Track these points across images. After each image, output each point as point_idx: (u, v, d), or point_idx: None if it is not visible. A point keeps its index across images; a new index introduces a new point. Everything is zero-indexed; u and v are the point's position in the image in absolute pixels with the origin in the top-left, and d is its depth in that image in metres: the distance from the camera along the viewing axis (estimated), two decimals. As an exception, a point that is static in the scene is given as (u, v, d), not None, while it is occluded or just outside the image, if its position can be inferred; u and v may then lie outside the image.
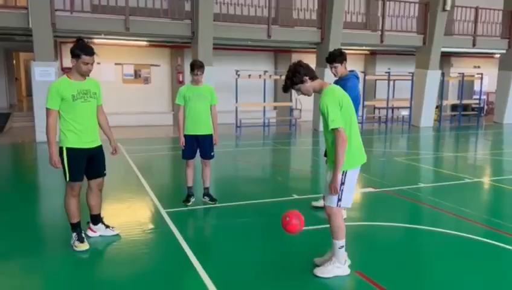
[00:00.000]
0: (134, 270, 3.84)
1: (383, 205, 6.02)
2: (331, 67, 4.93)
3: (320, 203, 5.45)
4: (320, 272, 3.67)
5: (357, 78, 4.97)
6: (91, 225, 4.55)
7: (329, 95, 3.47)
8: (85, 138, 4.10)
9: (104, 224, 4.60)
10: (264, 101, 15.15)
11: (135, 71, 15.67)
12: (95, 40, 14.17)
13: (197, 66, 5.39)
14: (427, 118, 16.16)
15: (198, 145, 5.57)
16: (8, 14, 11.21)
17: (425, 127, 15.90)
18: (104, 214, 5.53)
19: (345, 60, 4.90)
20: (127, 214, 5.39)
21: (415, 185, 6.93)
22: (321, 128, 3.66)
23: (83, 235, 4.27)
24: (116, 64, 15.24)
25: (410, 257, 4.14)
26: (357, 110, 4.97)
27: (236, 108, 14.21)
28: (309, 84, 3.55)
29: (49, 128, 3.95)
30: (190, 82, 5.57)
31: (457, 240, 4.58)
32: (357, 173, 3.66)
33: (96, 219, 4.55)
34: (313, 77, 3.55)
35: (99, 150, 4.28)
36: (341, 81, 4.94)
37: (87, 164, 4.19)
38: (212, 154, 5.65)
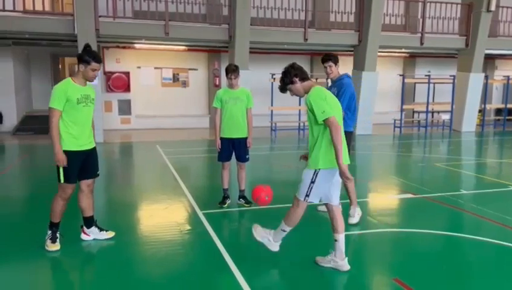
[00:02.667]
0: (171, 270, 3.92)
1: (423, 211, 5.86)
2: (325, 67, 5.14)
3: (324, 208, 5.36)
4: (256, 233, 3.96)
5: (350, 77, 5.20)
6: (84, 229, 4.47)
7: (314, 92, 3.60)
8: (82, 141, 4.15)
9: (98, 227, 4.51)
10: (300, 105, 15.09)
11: (174, 75, 16.01)
12: (136, 45, 14.63)
13: (230, 70, 5.47)
14: (469, 122, 15.61)
15: (234, 148, 5.64)
16: (55, 20, 11.79)
17: (467, 132, 15.36)
18: (142, 214, 5.70)
19: (338, 62, 5.15)
20: (165, 215, 5.51)
21: (457, 192, 6.70)
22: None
23: (58, 235, 4.23)
24: (155, 68, 15.65)
25: (450, 266, 4.01)
26: (354, 108, 5.02)
27: (272, 111, 14.24)
28: (299, 85, 3.71)
29: (54, 128, 4.01)
30: (227, 86, 5.65)
31: (501, 249, 4.40)
32: (331, 175, 3.62)
33: (89, 222, 4.45)
34: (304, 78, 3.70)
35: (93, 152, 4.33)
36: (337, 81, 5.16)
37: (80, 166, 4.21)
38: (247, 157, 5.70)
